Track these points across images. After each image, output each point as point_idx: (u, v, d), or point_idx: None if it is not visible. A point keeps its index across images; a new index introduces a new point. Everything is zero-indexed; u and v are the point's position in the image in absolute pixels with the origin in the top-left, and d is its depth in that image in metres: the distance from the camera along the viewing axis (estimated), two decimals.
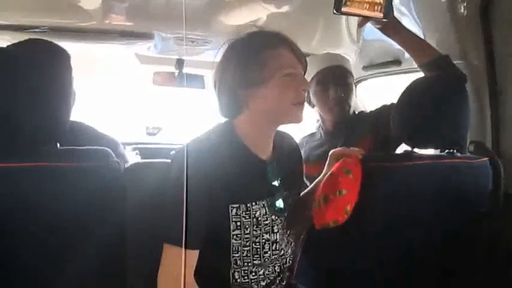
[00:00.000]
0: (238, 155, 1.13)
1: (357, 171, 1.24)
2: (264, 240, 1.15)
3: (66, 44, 1.41)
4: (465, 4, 1.52)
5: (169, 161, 1.14)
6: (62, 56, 1.42)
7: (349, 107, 1.85)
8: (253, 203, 1.12)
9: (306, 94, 1.19)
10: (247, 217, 1.11)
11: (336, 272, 1.35)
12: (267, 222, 1.15)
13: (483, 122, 1.62)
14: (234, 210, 1.09)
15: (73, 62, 1.43)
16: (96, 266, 1.20)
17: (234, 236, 1.10)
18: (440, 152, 1.41)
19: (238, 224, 1.10)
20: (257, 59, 1.10)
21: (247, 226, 1.11)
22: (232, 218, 1.09)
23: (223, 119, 1.20)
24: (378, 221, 1.30)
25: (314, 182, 1.42)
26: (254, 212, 1.12)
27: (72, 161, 1.17)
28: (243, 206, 1.10)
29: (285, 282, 1.24)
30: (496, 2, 1.47)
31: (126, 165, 1.37)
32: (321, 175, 1.39)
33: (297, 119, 1.14)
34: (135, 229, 1.26)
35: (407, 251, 1.33)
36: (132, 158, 2.20)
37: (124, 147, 2.24)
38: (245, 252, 1.12)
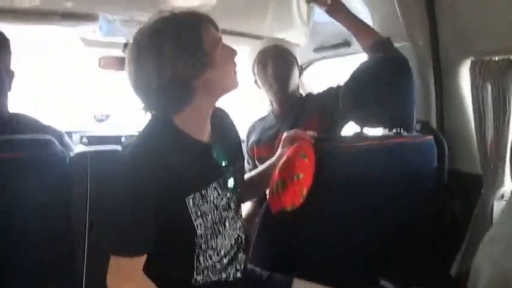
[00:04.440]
0: (183, 148, 1.10)
1: (311, 155, 1.25)
2: (224, 218, 1.16)
3: (4, 26, 1.33)
4: None
5: (116, 147, 1.11)
6: None
7: (289, 84, 1.88)
8: (207, 188, 1.12)
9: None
10: (205, 203, 1.10)
11: (290, 253, 1.38)
12: (223, 202, 1.15)
13: (428, 101, 1.69)
14: (191, 201, 1.08)
15: (13, 45, 1.36)
16: (44, 260, 1.16)
17: (198, 226, 1.09)
18: (389, 131, 1.46)
19: (199, 213, 1.09)
20: (199, 41, 1.06)
21: (207, 213, 1.10)
22: (191, 210, 1.07)
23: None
24: (332, 201, 1.33)
25: (267, 163, 1.42)
26: (210, 197, 1.12)
27: (12, 151, 1.11)
28: (198, 194, 1.09)
29: (242, 257, 1.24)
30: None
31: (71, 154, 1.32)
32: (274, 157, 1.40)
33: (237, 84, 1.15)
34: (80, 218, 1.22)
35: (361, 229, 1.38)
36: (79, 147, 2.12)
37: (71, 136, 2.16)
38: (209, 235, 1.12)
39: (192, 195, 1.08)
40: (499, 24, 1.39)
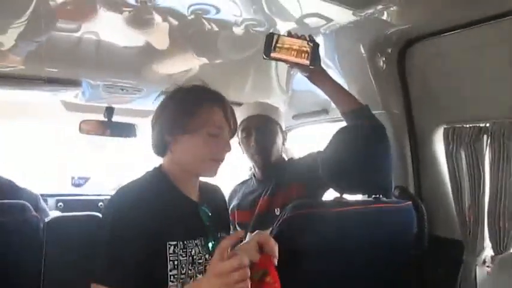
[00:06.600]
0: (170, 194, 1.16)
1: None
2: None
3: None
4: (383, 59, 1.64)
5: (92, 213, 1.10)
6: None
7: (271, 154, 1.87)
8: (189, 241, 1.11)
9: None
10: (184, 255, 1.09)
11: None
12: (201, 261, 1.12)
13: (405, 167, 1.71)
14: (172, 248, 1.07)
15: None
16: None
17: (171, 277, 1.06)
18: (368, 197, 1.47)
19: (176, 263, 1.07)
20: (190, 109, 1.15)
21: (183, 265, 1.08)
22: (169, 257, 1.07)
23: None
24: (310, 267, 1.30)
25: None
26: (190, 250, 1.10)
27: None
28: (181, 243, 1.09)
29: None
30: (409, 57, 1.61)
31: (46, 220, 1.29)
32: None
33: (212, 174, 1.21)
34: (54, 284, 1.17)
35: None
36: (54, 212, 2.07)
37: (46, 200, 2.11)
38: None
39: (174, 242, 1.08)
40: (468, 95, 1.46)
